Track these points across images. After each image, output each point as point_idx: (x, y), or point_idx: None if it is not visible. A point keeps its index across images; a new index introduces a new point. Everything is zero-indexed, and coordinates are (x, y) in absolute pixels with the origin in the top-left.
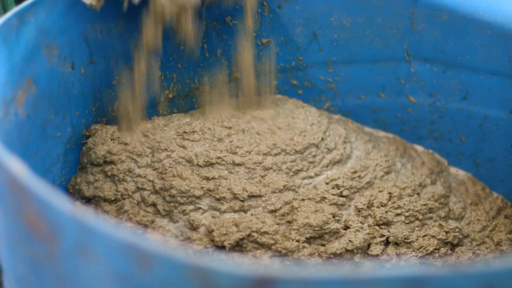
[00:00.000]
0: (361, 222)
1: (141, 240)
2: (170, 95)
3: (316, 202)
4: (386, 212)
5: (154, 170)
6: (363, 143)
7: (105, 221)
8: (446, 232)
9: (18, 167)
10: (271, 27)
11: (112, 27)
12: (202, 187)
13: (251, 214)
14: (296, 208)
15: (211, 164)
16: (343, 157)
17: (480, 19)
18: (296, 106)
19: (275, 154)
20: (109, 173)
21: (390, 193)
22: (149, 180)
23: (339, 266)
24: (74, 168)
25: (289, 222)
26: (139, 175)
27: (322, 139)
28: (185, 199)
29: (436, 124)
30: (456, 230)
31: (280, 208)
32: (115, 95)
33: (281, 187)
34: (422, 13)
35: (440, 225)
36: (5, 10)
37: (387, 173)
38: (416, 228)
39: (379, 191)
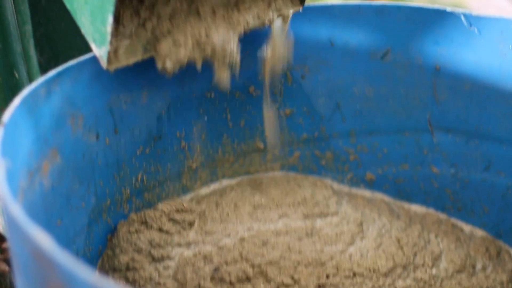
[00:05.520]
0: None
1: None
2: (194, 166)
3: None
4: None
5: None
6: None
7: None
8: None
9: (42, 238)
10: (294, 97)
11: (136, 97)
12: None
13: None
14: None
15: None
16: None
17: (502, 89)
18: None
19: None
20: (130, 279)
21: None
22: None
23: None
24: (97, 239)
25: None
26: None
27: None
28: None
29: (459, 195)
30: None
31: None
32: (139, 165)
33: None
34: (445, 83)
35: None
36: (31, 80)
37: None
38: None
39: None
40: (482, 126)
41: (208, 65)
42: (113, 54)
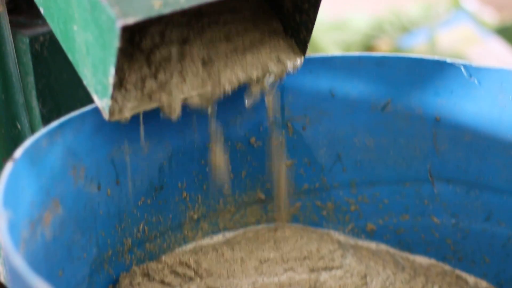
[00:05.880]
0: None
1: None
2: (195, 216)
3: None
4: None
5: None
6: None
7: None
8: None
9: None
10: (295, 148)
11: (138, 148)
12: None
13: None
14: None
15: None
16: None
17: (502, 140)
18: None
19: None
20: None
21: None
22: None
23: None
24: None
25: None
26: None
27: None
28: None
29: (460, 245)
30: None
31: None
32: (140, 215)
33: None
34: (445, 134)
35: None
36: (33, 131)
37: None
38: None
39: None
40: (482, 176)
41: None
42: (115, 105)
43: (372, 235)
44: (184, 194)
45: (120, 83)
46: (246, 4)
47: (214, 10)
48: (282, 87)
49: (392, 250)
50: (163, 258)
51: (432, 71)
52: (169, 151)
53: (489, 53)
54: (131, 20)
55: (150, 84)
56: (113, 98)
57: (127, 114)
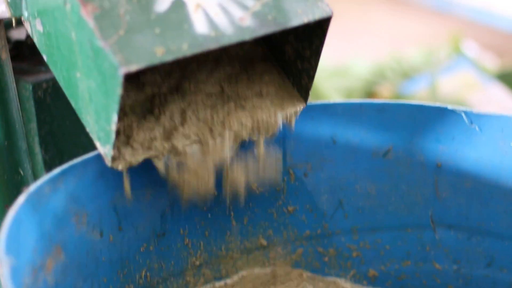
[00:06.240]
0: None
1: None
2: (197, 263)
3: None
4: None
5: None
6: None
7: None
8: None
9: None
10: (296, 194)
11: (140, 194)
12: None
13: None
14: None
15: None
16: None
17: (504, 186)
18: None
19: None
20: None
21: None
22: None
23: None
24: None
25: None
26: None
27: None
28: None
29: None
30: None
31: None
32: (143, 262)
33: None
34: (446, 180)
35: None
36: (35, 177)
37: None
38: None
39: None
40: (484, 222)
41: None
42: (118, 152)
43: (374, 281)
44: (186, 240)
45: (127, 140)
46: (247, 51)
47: (213, 57)
48: (284, 134)
49: None
50: None
51: (433, 117)
52: (171, 197)
53: (490, 99)
54: (133, 67)
55: (158, 142)
56: (115, 148)
57: (130, 161)
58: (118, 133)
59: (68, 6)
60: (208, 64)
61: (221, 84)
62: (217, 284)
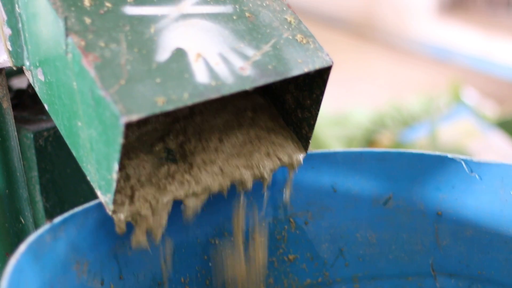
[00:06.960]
0: None
1: None
2: None
3: None
4: None
5: None
6: None
7: None
8: None
9: None
10: (297, 243)
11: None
12: None
13: None
14: None
15: None
16: None
17: (504, 234)
18: None
19: None
20: None
21: None
22: None
23: None
24: None
25: None
26: None
27: None
28: None
29: None
30: None
31: None
32: None
33: None
34: (447, 229)
35: None
36: (36, 226)
37: None
38: None
39: None
40: (484, 271)
41: (212, 211)
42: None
43: None
44: None
45: (131, 198)
46: (246, 100)
47: (212, 107)
48: (284, 182)
49: None
50: None
51: (433, 166)
52: (172, 246)
53: (490, 146)
54: (135, 117)
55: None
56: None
57: (131, 209)
58: (120, 189)
59: (69, 56)
60: (210, 117)
61: (221, 136)
62: None
